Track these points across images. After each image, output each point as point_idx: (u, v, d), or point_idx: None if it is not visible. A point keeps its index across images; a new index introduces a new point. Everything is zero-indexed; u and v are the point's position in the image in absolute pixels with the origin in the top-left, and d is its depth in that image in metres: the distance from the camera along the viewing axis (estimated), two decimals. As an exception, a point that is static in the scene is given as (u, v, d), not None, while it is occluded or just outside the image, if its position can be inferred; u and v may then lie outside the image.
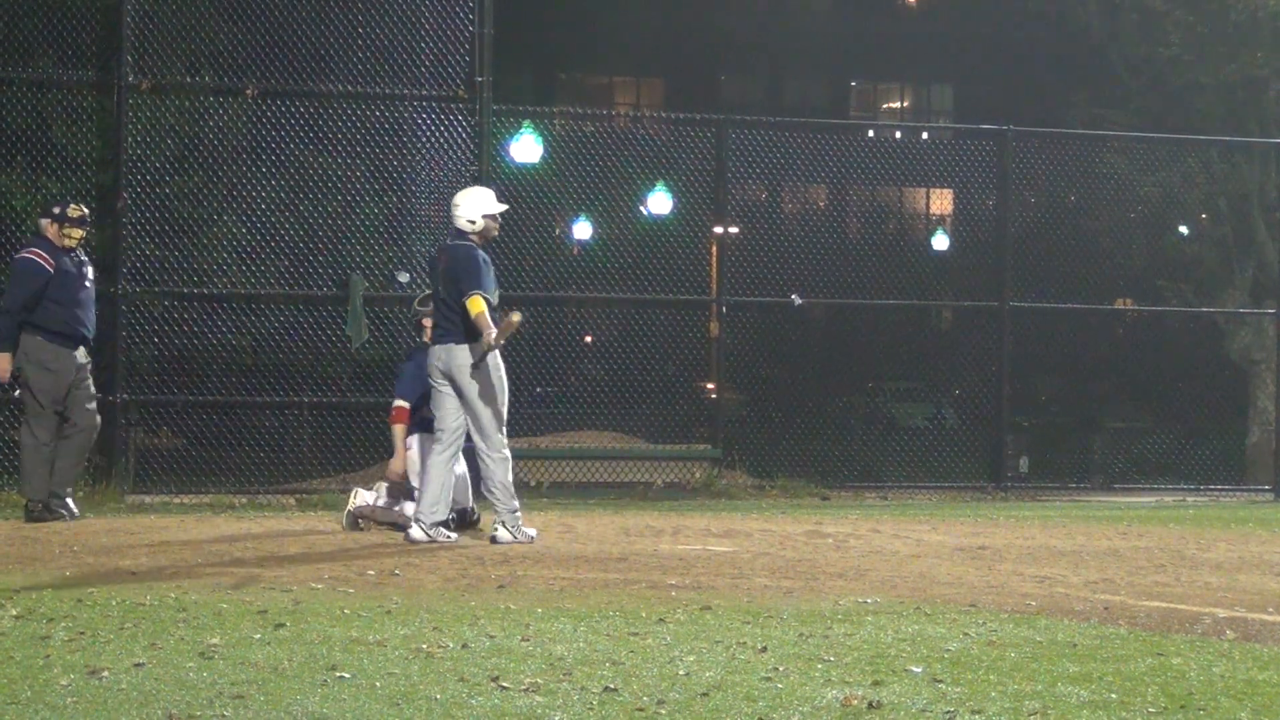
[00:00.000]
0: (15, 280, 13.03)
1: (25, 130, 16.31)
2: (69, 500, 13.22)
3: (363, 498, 12.43)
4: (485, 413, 11.44)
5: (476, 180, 16.71)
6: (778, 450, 19.72)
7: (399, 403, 12.54)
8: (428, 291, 13.52)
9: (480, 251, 11.54)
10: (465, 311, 11.34)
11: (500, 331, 11.29)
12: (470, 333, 11.38)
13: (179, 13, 16.59)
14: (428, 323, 12.66)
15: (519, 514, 11.66)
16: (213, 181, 16.88)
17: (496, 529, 11.55)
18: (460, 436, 11.62)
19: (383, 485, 12.46)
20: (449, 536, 11.59)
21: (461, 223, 11.58)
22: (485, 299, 11.35)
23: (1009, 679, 6.24)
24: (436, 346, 11.58)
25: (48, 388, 13.01)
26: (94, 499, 14.83)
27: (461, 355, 11.40)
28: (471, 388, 11.39)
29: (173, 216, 16.55)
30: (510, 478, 11.54)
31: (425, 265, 13.96)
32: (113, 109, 16.20)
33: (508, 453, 11.55)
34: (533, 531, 11.78)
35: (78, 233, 13.08)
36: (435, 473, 11.51)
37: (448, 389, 11.51)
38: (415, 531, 11.43)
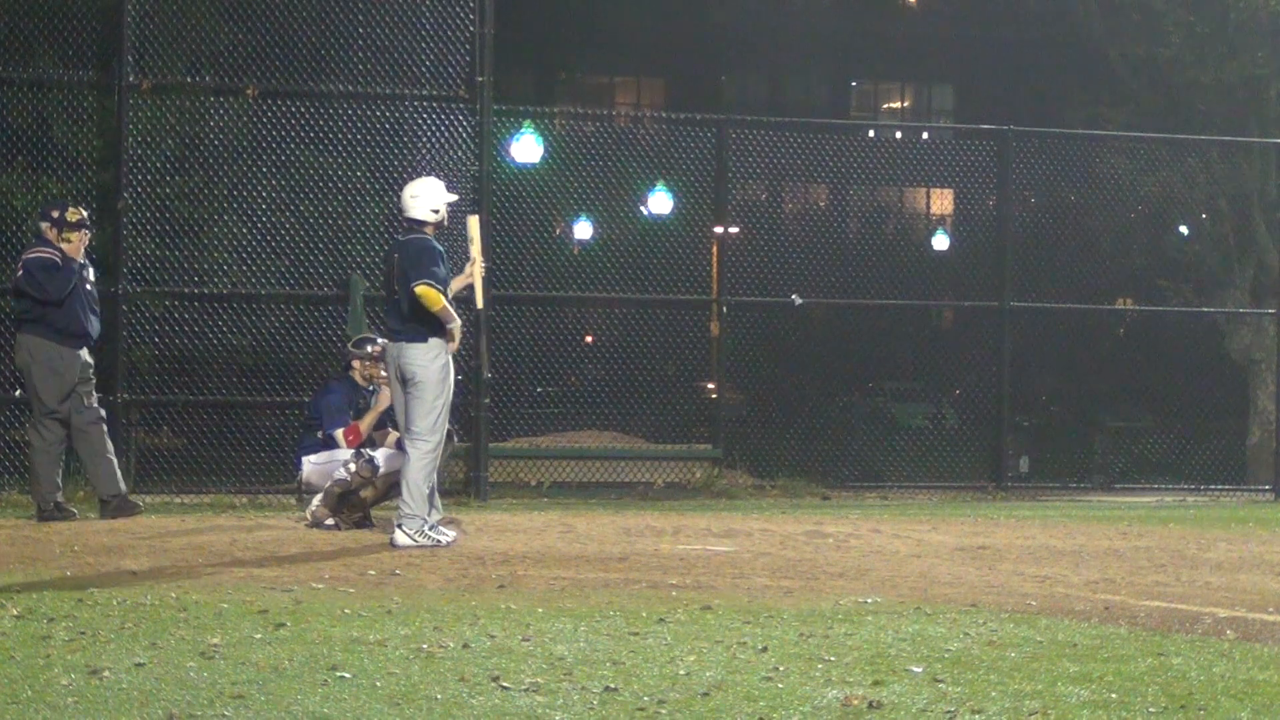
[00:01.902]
0: (40, 276, 12.88)
1: (26, 130, 16.30)
2: (129, 497, 13.38)
3: (316, 500, 12.53)
4: (428, 407, 11.22)
5: (477, 180, 16.75)
6: (778, 450, 19.72)
7: (339, 431, 12.69)
8: (362, 335, 13.69)
9: (435, 242, 11.45)
10: (421, 307, 11.18)
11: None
12: (425, 330, 11.25)
13: (179, 13, 16.58)
14: (357, 365, 12.87)
15: (426, 521, 11.21)
16: (213, 181, 16.87)
17: (394, 532, 11.25)
18: None
19: (350, 465, 12.45)
20: (448, 535, 11.53)
21: (423, 211, 11.42)
22: (437, 288, 11.17)
23: (1009, 679, 6.24)
24: (391, 345, 11.49)
25: (53, 389, 12.99)
26: (94, 499, 14.82)
27: (416, 353, 11.26)
28: (425, 385, 11.22)
29: (173, 216, 16.54)
30: (430, 481, 11.24)
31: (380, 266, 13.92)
32: (113, 109, 16.20)
33: (438, 452, 11.30)
34: (451, 534, 11.40)
35: (76, 236, 13.01)
36: (418, 474, 11.42)
37: (399, 387, 11.44)
38: (400, 537, 11.24)
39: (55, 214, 13.07)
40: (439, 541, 11.20)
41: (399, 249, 11.47)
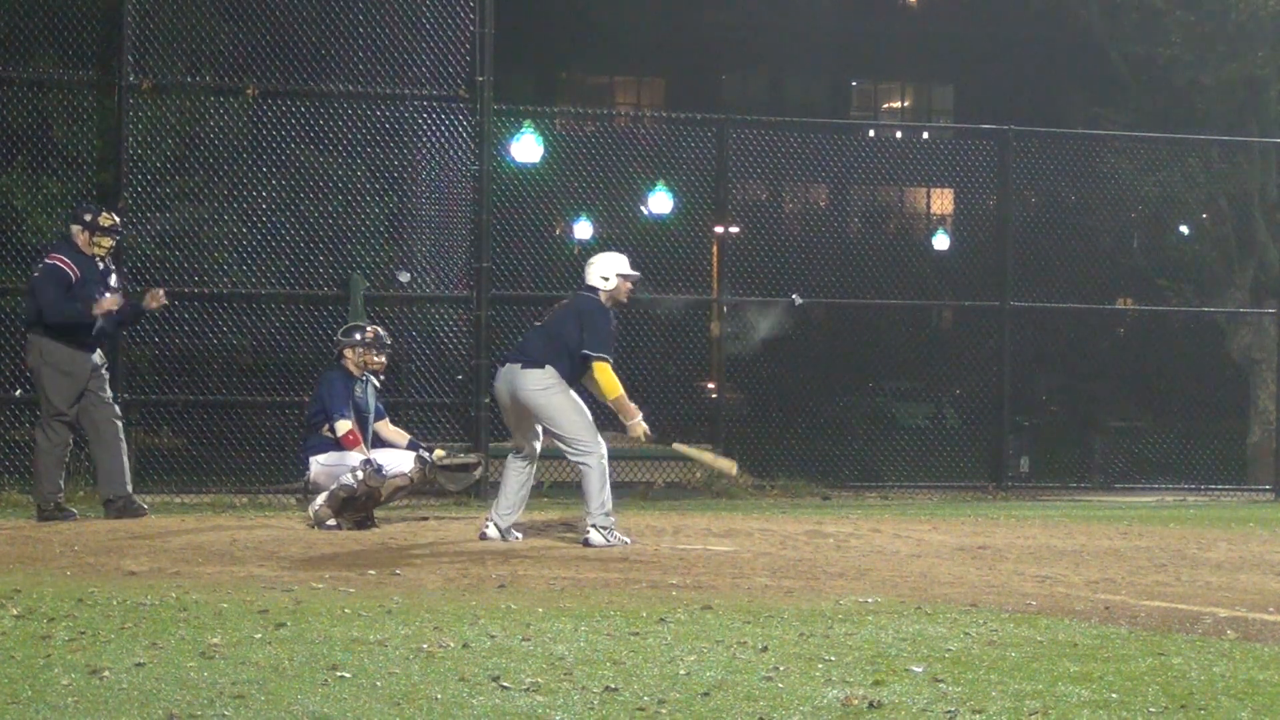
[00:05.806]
0: (44, 285, 12.83)
1: (26, 130, 16.31)
2: (135, 499, 13.28)
3: (320, 500, 12.51)
4: (574, 425, 11.40)
5: (477, 180, 16.74)
6: (778, 450, 19.71)
7: (343, 424, 12.63)
8: (352, 324, 13.76)
9: (610, 311, 11.58)
10: (564, 351, 11.34)
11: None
12: (546, 358, 11.35)
13: (179, 13, 16.59)
14: (349, 354, 12.86)
15: (611, 518, 11.53)
16: (213, 181, 16.88)
17: (588, 532, 11.44)
18: (536, 451, 11.74)
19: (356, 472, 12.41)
20: (626, 539, 11.65)
21: (594, 279, 11.58)
22: (615, 375, 11.43)
23: (1010, 679, 6.24)
24: (504, 368, 11.57)
25: (63, 391, 12.93)
26: (94, 499, 14.82)
27: (527, 379, 11.35)
28: (549, 407, 11.37)
29: (173, 216, 16.55)
30: (605, 482, 11.40)
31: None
32: (113, 108, 16.20)
33: (603, 451, 11.44)
34: (626, 538, 11.60)
35: (108, 241, 12.90)
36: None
37: (511, 409, 11.55)
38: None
39: (88, 217, 12.88)
40: (625, 542, 11.43)
41: (569, 298, 11.75)
